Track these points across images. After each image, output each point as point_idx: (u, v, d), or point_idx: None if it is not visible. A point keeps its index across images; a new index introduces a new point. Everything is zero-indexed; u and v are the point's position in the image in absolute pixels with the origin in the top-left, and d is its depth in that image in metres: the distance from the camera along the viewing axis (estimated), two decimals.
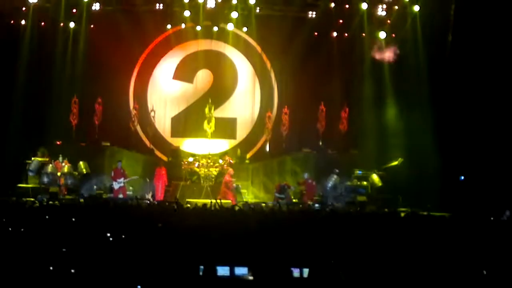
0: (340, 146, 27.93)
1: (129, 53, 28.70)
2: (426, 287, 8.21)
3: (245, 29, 29.09)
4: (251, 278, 8.80)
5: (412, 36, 27.05)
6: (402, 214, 18.50)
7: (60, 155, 25.66)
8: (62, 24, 27.68)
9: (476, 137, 25.02)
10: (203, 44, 29.72)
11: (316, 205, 23.84)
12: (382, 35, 27.88)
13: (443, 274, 8.65)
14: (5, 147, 25.97)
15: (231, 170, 25.84)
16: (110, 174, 25.56)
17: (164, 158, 28.35)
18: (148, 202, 22.71)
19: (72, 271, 8.12)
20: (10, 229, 11.09)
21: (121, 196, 24.44)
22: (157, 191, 25.75)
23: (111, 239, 10.78)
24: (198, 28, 28.78)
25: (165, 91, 29.75)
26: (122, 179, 25.13)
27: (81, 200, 22.63)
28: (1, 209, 15.19)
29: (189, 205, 21.05)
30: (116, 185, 25.13)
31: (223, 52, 29.84)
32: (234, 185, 25.74)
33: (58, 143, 26.98)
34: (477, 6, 24.94)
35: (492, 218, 17.00)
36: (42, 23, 27.54)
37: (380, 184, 25.69)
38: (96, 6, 28.45)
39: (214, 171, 26.41)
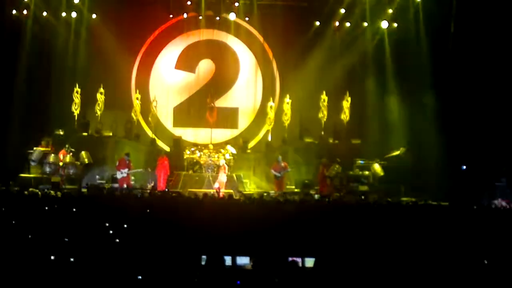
0: (342, 136, 27.94)
1: (131, 42, 28.65)
2: (428, 276, 8.22)
3: (247, 18, 29.07)
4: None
5: (415, 26, 26.98)
6: (404, 204, 18.57)
7: (67, 144, 25.64)
8: (64, 14, 27.63)
9: (478, 126, 25.01)
10: (205, 34, 29.67)
11: (316, 195, 23.84)
12: (384, 24, 27.88)
13: (445, 262, 8.66)
14: (7, 136, 25.95)
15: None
16: (115, 163, 25.68)
17: (166, 148, 28.38)
18: (150, 191, 22.76)
19: (74, 260, 8.14)
20: (13, 222, 11.10)
21: (125, 186, 24.49)
22: (159, 181, 25.70)
23: (110, 230, 10.80)
24: (200, 17, 28.74)
25: (167, 81, 29.73)
26: (126, 170, 25.16)
27: (84, 190, 22.70)
28: (3, 198, 15.25)
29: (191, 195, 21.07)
30: (119, 175, 25.20)
31: (225, 42, 29.79)
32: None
33: (60, 133, 27.02)
34: None
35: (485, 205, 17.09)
36: (44, 13, 27.47)
37: (382, 173, 25.67)
38: None
39: (216, 161, 26.38)
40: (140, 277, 7.51)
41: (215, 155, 26.53)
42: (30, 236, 9.63)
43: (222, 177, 25.10)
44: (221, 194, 21.48)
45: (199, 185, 25.24)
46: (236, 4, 28.38)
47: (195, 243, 9.45)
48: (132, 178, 25.61)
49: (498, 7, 24.36)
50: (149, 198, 18.81)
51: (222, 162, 25.61)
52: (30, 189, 20.30)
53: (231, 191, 24.00)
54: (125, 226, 11.18)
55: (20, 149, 25.80)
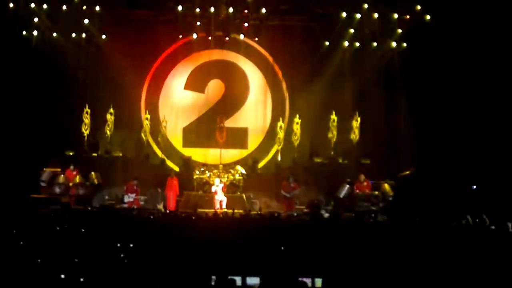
0: (351, 156, 27.89)
1: (141, 63, 28.76)
2: None
3: (256, 39, 29.12)
4: None
5: (424, 46, 26.97)
6: (414, 223, 18.44)
7: (72, 164, 25.77)
8: (74, 35, 27.72)
9: (489, 145, 24.93)
10: (215, 54, 29.75)
11: (327, 214, 23.78)
12: (393, 44, 27.89)
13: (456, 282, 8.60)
14: (17, 157, 25.97)
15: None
16: (123, 186, 25.76)
17: (176, 168, 28.39)
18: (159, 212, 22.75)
19: (84, 280, 8.12)
20: (21, 242, 11.08)
21: (135, 206, 24.54)
22: (168, 201, 25.76)
23: (120, 250, 10.78)
24: (210, 38, 28.79)
25: (177, 101, 29.78)
26: (133, 195, 25.33)
27: (93, 210, 22.69)
28: (14, 219, 15.24)
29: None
30: (126, 199, 25.32)
31: (234, 62, 29.85)
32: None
33: (70, 153, 27.10)
34: (490, 17, 24.89)
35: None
36: (54, 34, 27.59)
37: (392, 193, 25.58)
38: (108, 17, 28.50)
39: (225, 181, 26.39)
40: None
41: (224, 176, 26.60)
42: (40, 257, 9.61)
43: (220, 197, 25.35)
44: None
45: (209, 205, 25.23)
46: (246, 24, 28.44)
47: (204, 263, 9.42)
48: (141, 198, 25.68)
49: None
50: (158, 218, 18.78)
51: (216, 181, 25.76)
52: (40, 210, 20.29)
53: (241, 211, 23.95)
54: (132, 245, 11.14)
55: (30, 170, 25.84)
